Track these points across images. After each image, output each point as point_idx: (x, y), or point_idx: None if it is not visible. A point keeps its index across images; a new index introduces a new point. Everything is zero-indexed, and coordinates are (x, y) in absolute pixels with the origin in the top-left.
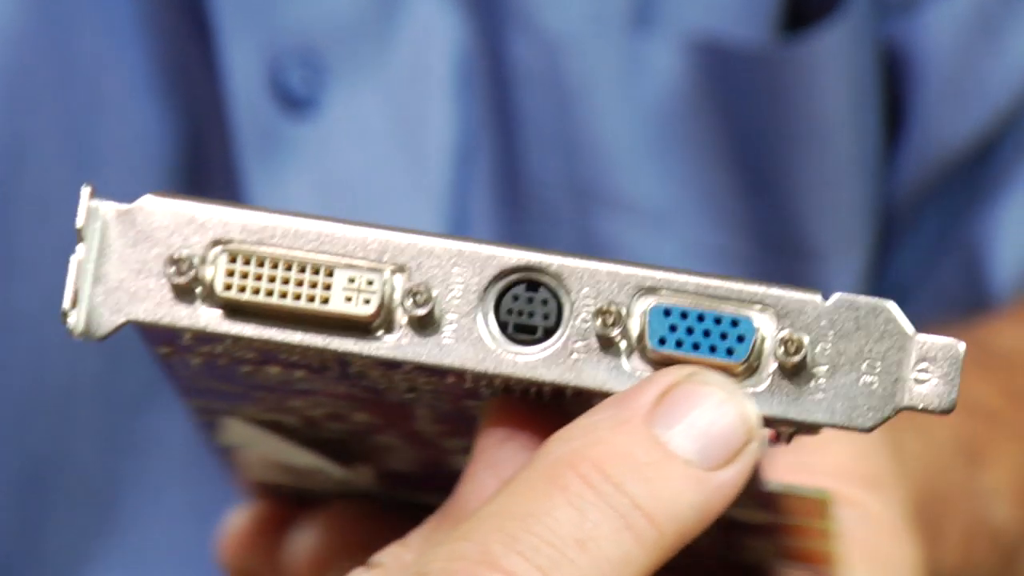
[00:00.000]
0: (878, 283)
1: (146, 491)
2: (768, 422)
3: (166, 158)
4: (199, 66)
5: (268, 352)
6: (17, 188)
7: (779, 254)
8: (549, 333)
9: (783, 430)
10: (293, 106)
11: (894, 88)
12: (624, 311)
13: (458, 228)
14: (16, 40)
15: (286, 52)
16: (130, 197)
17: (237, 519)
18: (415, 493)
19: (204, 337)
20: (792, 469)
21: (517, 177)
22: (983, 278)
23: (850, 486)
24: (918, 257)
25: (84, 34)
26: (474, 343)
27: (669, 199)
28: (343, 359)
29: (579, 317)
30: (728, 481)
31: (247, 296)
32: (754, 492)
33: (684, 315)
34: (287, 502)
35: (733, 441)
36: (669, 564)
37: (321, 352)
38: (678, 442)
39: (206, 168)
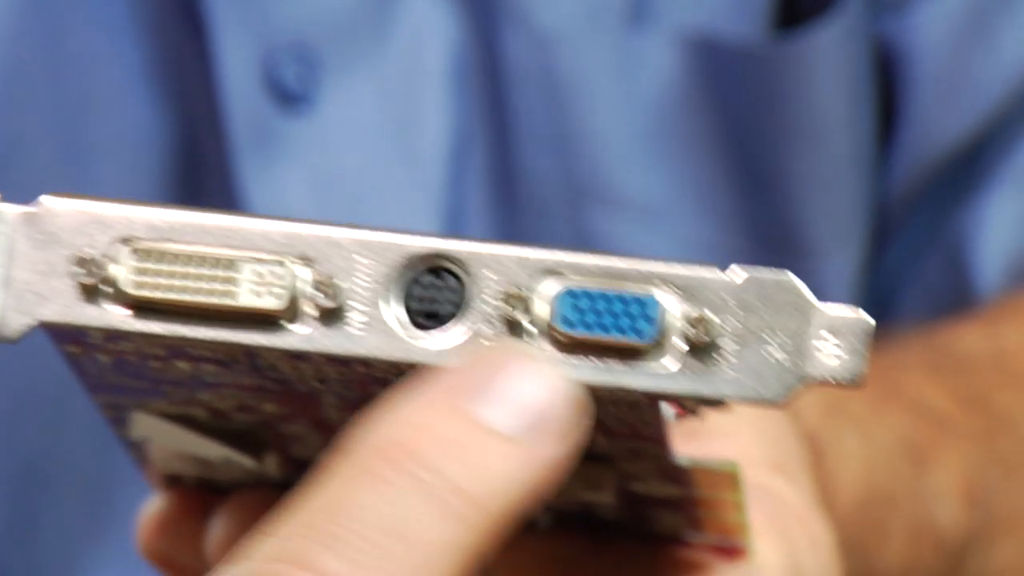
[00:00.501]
0: (871, 281)
1: (141, 488)
2: (677, 399)
3: (161, 154)
4: (193, 62)
5: (177, 348)
6: (8, 185)
7: (774, 251)
8: (455, 319)
9: (691, 405)
10: (287, 102)
11: (887, 87)
12: (530, 294)
13: (453, 224)
14: (9, 36)
15: (280, 48)
16: (125, 194)
17: (152, 508)
18: None
19: (113, 335)
20: (700, 455)
21: (512, 173)
22: (967, 277)
23: (757, 471)
24: (907, 255)
25: (77, 30)
26: (382, 332)
27: (663, 195)
28: (252, 352)
29: (485, 302)
30: (555, 455)
31: (155, 294)
32: (662, 466)
33: (590, 297)
34: (202, 493)
35: (554, 413)
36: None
37: (230, 347)
38: (495, 418)
39: (201, 164)
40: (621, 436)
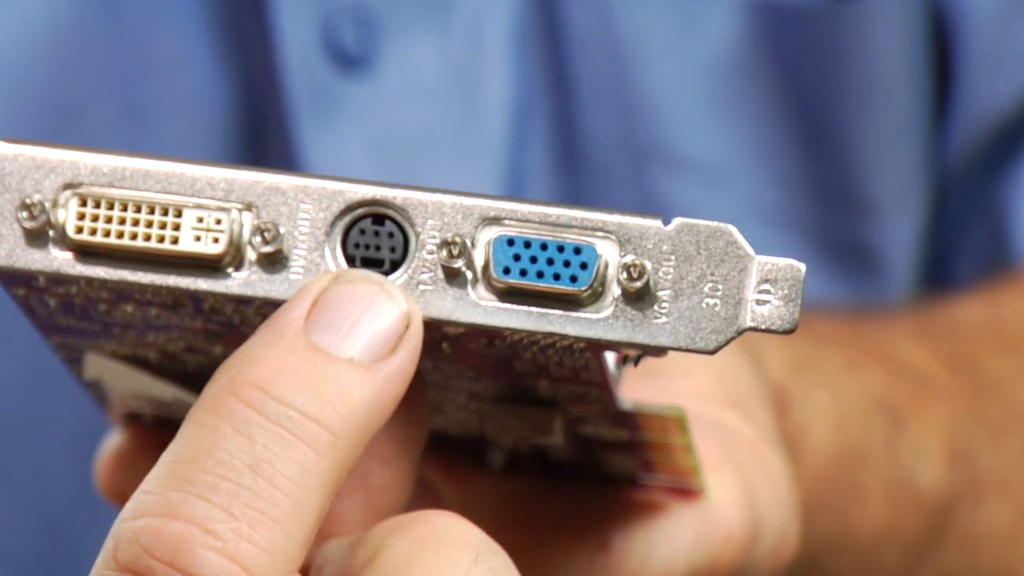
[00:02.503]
0: (930, 246)
1: None
2: (614, 346)
3: (222, 116)
4: (253, 26)
5: (122, 292)
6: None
7: (835, 211)
8: (396, 266)
9: (629, 353)
10: (347, 65)
11: (943, 54)
12: (469, 242)
13: (514, 187)
14: (69, 0)
15: (339, 10)
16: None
17: (110, 445)
18: None
19: (58, 279)
20: (656, 393)
21: (573, 136)
22: (1008, 245)
23: (711, 407)
24: (960, 222)
25: None
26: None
27: (725, 156)
28: (196, 296)
29: (424, 249)
30: (396, 369)
31: (98, 238)
32: (609, 411)
33: (527, 244)
34: (160, 430)
35: (391, 329)
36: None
37: (173, 291)
38: (336, 343)
39: (262, 126)
40: (564, 381)
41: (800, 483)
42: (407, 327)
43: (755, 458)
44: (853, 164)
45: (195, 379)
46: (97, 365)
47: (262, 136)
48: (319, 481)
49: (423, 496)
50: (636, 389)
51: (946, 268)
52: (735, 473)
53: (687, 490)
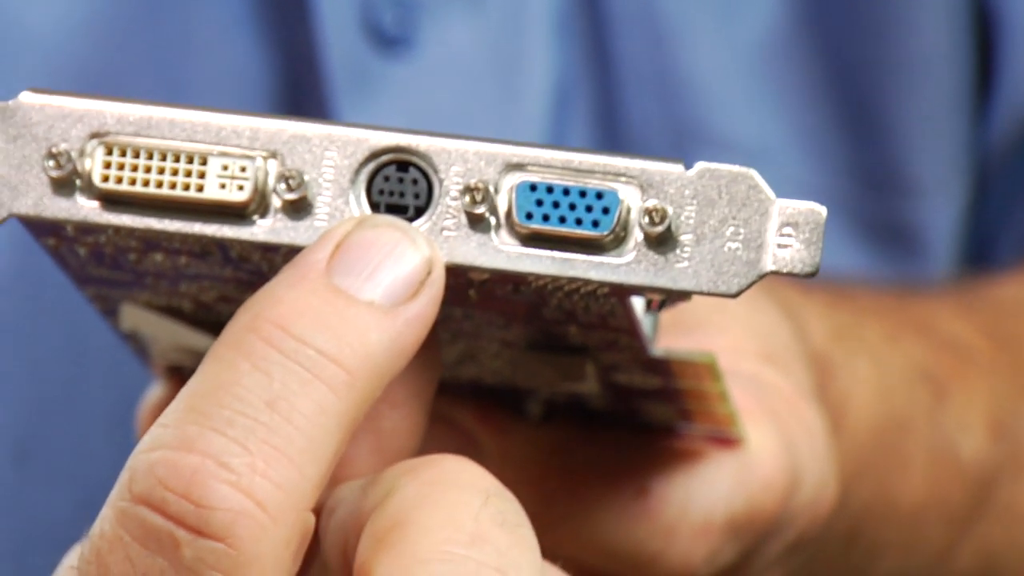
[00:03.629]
0: (972, 231)
1: None
2: (637, 290)
3: (260, 95)
4: (292, 6)
5: (151, 240)
6: None
7: (878, 192)
8: (420, 212)
9: (654, 298)
10: (385, 44)
11: (986, 37)
12: (492, 188)
13: None
14: None
15: None
16: None
17: (151, 396)
18: None
19: (85, 228)
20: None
21: (614, 117)
22: None
23: (747, 362)
24: (1003, 206)
25: None
26: None
27: (767, 137)
28: (223, 244)
29: (448, 195)
30: (416, 314)
31: (124, 187)
32: (640, 358)
33: (550, 189)
34: None
35: (413, 275)
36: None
37: (199, 239)
38: (358, 286)
39: (300, 107)
40: (593, 327)
41: (841, 451)
42: (429, 273)
43: (792, 411)
44: (895, 145)
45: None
46: (132, 316)
47: (300, 115)
48: (335, 421)
49: (463, 446)
50: (672, 344)
51: (988, 250)
52: (773, 424)
53: (726, 439)
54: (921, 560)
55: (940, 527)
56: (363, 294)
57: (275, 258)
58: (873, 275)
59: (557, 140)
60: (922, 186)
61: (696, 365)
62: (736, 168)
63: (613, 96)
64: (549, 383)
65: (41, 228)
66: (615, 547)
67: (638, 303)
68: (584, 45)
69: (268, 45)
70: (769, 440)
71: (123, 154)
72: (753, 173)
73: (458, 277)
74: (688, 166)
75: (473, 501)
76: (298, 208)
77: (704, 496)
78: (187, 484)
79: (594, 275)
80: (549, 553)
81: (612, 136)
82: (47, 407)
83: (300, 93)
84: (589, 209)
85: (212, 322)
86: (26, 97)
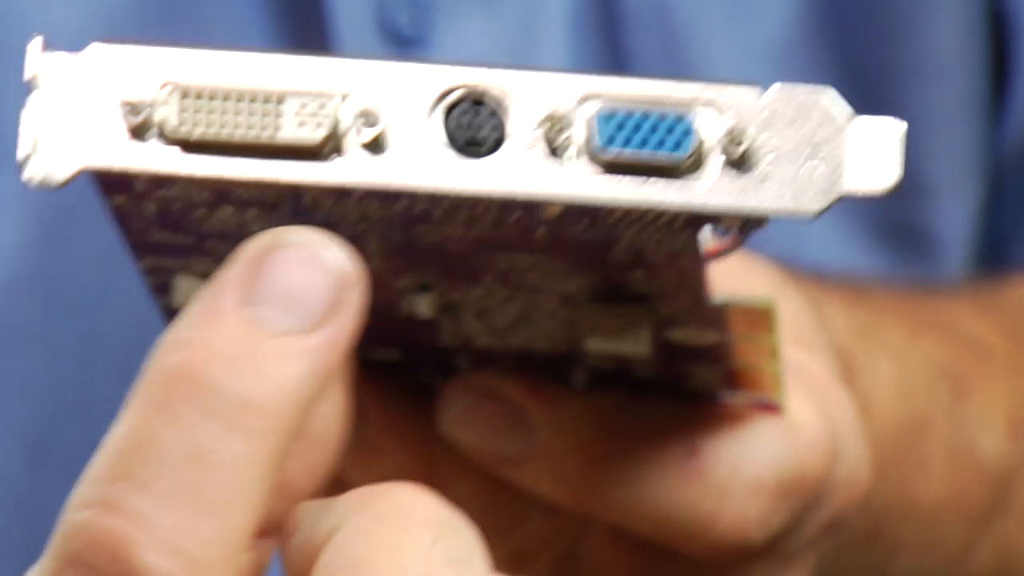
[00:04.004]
0: (986, 235)
1: None
2: (717, 215)
3: None
4: (308, 7)
5: (223, 191)
6: None
7: (892, 191)
8: (497, 145)
9: (732, 223)
10: (401, 45)
11: (1002, 36)
12: (569, 117)
13: None
14: None
15: None
16: None
17: None
18: (365, 348)
19: (159, 180)
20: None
21: None
22: None
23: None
24: (1015, 206)
25: None
26: (424, 161)
27: None
28: (296, 191)
29: (525, 127)
30: (334, 335)
31: (201, 131)
32: (700, 309)
33: (628, 115)
34: None
35: (326, 293)
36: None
37: (276, 184)
38: (269, 316)
39: None
40: (660, 270)
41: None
42: (345, 289)
43: (825, 391)
44: (910, 146)
45: None
46: (188, 288)
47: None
48: (259, 466)
49: (511, 418)
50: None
51: (1002, 251)
52: (809, 399)
53: (768, 405)
54: (939, 559)
55: (959, 526)
56: (277, 324)
57: (346, 203)
58: (889, 276)
59: None
60: (936, 187)
61: (755, 311)
62: (812, 88)
63: None
64: (609, 333)
65: (111, 184)
66: (669, 511)
67: (707, 245)
68: (598, 44)
69: (283, 46)
70: (808, 410)
71: (199, 98)
72: (830, 91)
73: (530, 215)
74: (765, 89)
75: (423, 539)
76: (375, 146)
77: (754, 455)
78: (114, 552)
79: (675, 199)
80: (602, 526)
81: None
82: (62, 407)
83: None
84: (669, 132)
85: None
86: (97, 48)
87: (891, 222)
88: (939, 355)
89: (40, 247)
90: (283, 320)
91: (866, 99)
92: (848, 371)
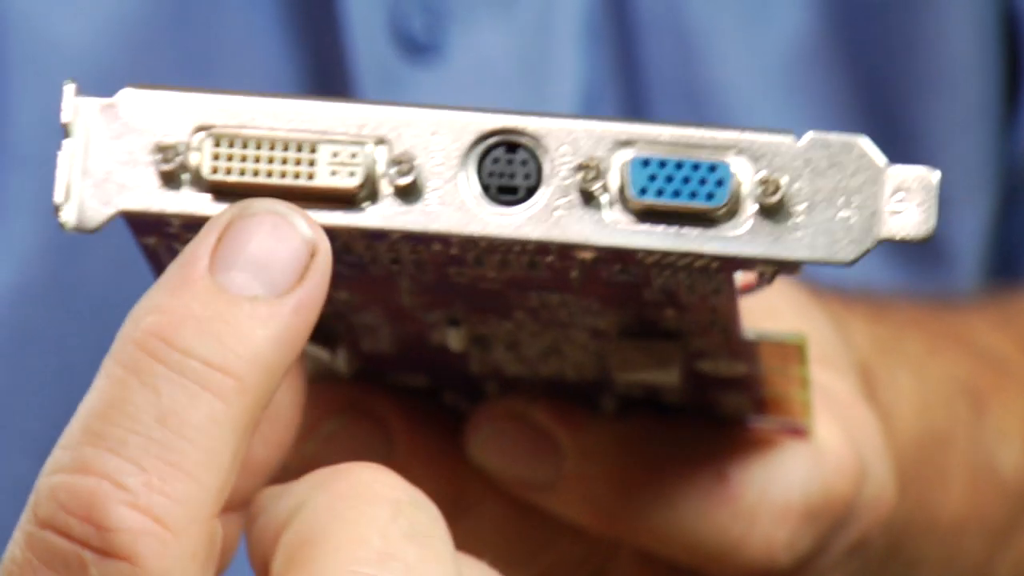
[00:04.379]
0: (999, 246)
1: None
2: (751, 263)
3: None
4: (321, 12)
5: None
6: None
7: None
8: (531, 192)
9: (765, 270)
10: (414, 52)
11: (1015, 45)
12: (604, 165)
13: None
14: None
15: None
16: None
17: None
18: (393, 375)
19: (192, 223)
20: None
21: None
22: None
23: None
24: None
25: None
26: (458, 207)
27: None
28: (329, 234)
29: (559, 174)
30: (302, 300)
31: (234, 178)
32: (731, 341)
33: (662, 164)
34: None
35: (296, 260)
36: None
37: None
38: (239, 281)
39: None
40: (692, 309)
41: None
42: (313, 255)
43: (850, 412)
44: (922, 155)
45: (316, 330)
46: None
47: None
48: (229, 428)
49: (539, 444)
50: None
51: (1015, 260)
52: (835, 420)
53: (796, 430)
54: (959, 573)
55: (979, 541)
56: (246, 289)
57: (379, 246)
58: (901, 285)
59: None
60: (948, 196)
61: (786, 346)
62: (845, 136)
63: (640, 103)
64: (640, 369)
65: (144, 226)
66: (697, 535)
67: (739, 280)
68: (611, 52)
69: (296, 52)
70: (834, 434)
71: (231, 145)
72: (863, 140)
73: (564, 258)
74: (798, 136)
75: (382, 515)
76: (409, 193)
77: (782, 480)
78: (87, 507)
79: (709, 248)
80: (629, 549)
81: None
82: None
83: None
84: (702, 182)
85: None
86: (130, 93)
87: None
88: (959, 370)
89: (55, 253)
90: (252, 285)
91: (879, 108)
92: (869, 386)
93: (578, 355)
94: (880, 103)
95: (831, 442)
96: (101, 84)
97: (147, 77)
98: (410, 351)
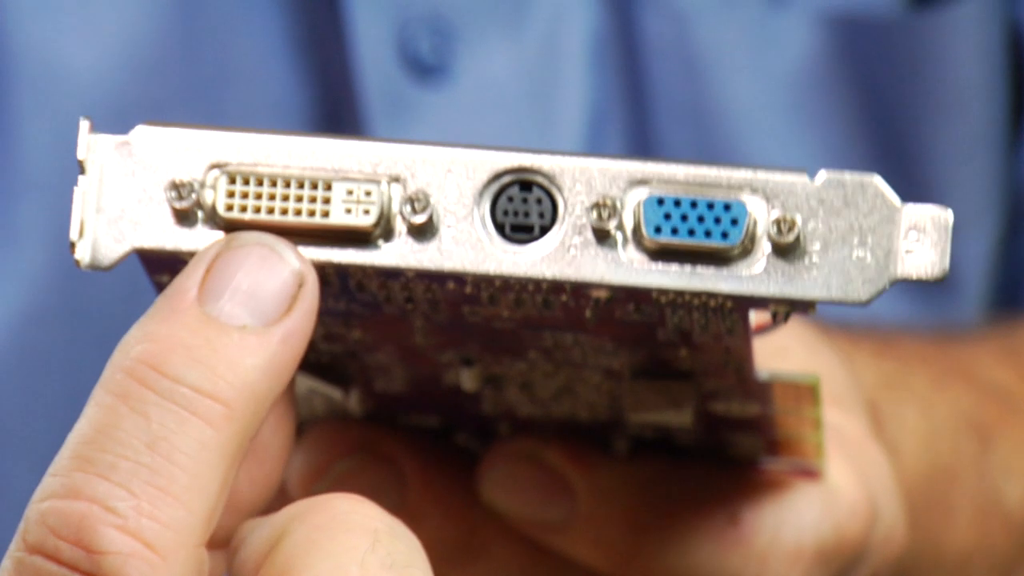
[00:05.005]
0: (1003, 268)
1: None
2: (765, 302)
3: (297, 124)
4: (330, 33)
5: None
6: None
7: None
8: (545, 231)
9: (780, 310)
10: (422, 73)
11: (1021, 72)
12: (618, 203)
13: None
14: (146, 8)
15: (416, 19)
16: None
17: None
18: (406, 415)
19: None
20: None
21: (648, 147)
22: None
23: None
24: None
25: (214, 2)
26: (473, 246)
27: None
28: (343, 272)
29: (574, 213)
30: (290, 329)
31: (249, 215)
32: (744, 382)
33: (677, 203)
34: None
35: (283, 290)
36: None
37: (323, 266)
38: (228, 311)
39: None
40: (706, 349)
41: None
42: (301, 286)
43: (861, 450)
44: (928, 178)
45: (329, 369)
46: None
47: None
48: (218, 454)
49: (551, 485)
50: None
51: (1020, 286)
52: (846, 461)
53: (808, 471)
54: None
55: (986, 573)
56: (235, 319)
57: (393, 285)
58: (906, 311)
59: None
60: (956, 220)
61: (799, 387)
62: (860, 175)
63: (646, 124)
64: (653, 409)
65: (158, 263)
66: None
67: (753, 320)
68: (618, 73)
69: (305, 74)
70: (846, 473)
71: (246, 183)
72: (877, 179)
73: (578, 297)
74: (812, 175)
75: (360, 545)
76: (423, 231)
77: (794, 522)
78: (77, 531)
79: (724, 287)
80: None
81: None
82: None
83: (337, 122)
84: (717, 221)
85: (311, 362)
86: (143, 131)
87: None
88: (964, 404)
89: (65, 279)
90: (241, 315)
91: (885, 131)
92: (876, 422)
93: (591, 395)
94: (886, 126)
95: (843, 483)
96: (111, 109)
97: (157, 102)
98: (423, 391)
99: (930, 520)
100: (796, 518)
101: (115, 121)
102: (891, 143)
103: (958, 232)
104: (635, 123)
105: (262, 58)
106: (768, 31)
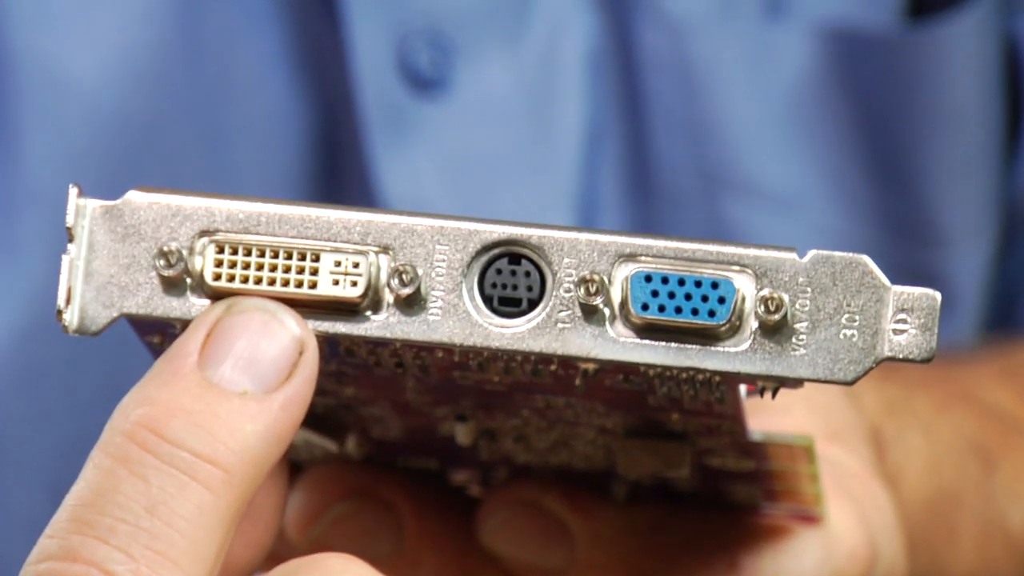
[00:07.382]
0: (998, 283)
1: None
2: (752, 379)
3: (298, 138)
4: (329, 46)
5: None
6: (147, 166)
7: (906, 240)
8: (533, 305)
9: (767, 385)
10: (421, 86)
11: (1017, 85)
12: (606, 279)
13: (586, 211)
14: (149, 19)
15: (415, 33)
16: (263, 177)
17: None
18: (405, 459)
19: None
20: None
21: (645, 161)
22: None
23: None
24: None
25: (216, 14)
26: (460, 318)
27: (798, 184)
28: (332, 339)
29: (562, 287)
30: (291, 396)
31: (237, 284)
32: (738, 443)
33: (665, 280)
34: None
35: (284, 357)
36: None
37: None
38: (229, 377)
39: (337, 148)
40: (696, 414)
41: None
42: (301, 353)
43: (863, 489)
44: (924, 194)
45: (323, 421)
46: None
47: (337, 157)
48: (216, 519)
49: (551, 531)
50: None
51: (1016, 301)
52: (847, 501)
53: (808, 517)
54: None
55: None
56: (235, 385)
57: (382, 351)
58: None
59: (588, 182)
60: (949, 236)
61: (793, 448)
62: (850, 255)
63: (644, 139)
64: (648, 470)
65: (147, 326)
66: None
67: (742, 388)
68: (616, 88)
69: (305, 88)
70: (847, 516)
71: (235, 252)
72: (866, 259)
73: (567, 367)
74: (801, 254)
75: None
76: (411, 303)
77: (793, 569)
78: None
79: (710, 364)
80: None
81: (642, 179)
82: (86, 448)
83: (336, 135)
84: (705, 299)
85: (308, 414)
86: (134, 196)
87: (906, 269)
88: (967, 428)
89: None
90: (242, 381)
91: (882, 147)
92: (879, 447)
93: (587, 449)
94: (882, 141)
95: (843, 525)
96: (112, 120)
97: (158, 113)
98: (419, 440)
99: (935, 544)
100: (796, 564)
101: (118, 134)
102: (887, 158)
103: (955, 246)
104: (632, 136)
105: (262, 70)
106: (765, 46)
